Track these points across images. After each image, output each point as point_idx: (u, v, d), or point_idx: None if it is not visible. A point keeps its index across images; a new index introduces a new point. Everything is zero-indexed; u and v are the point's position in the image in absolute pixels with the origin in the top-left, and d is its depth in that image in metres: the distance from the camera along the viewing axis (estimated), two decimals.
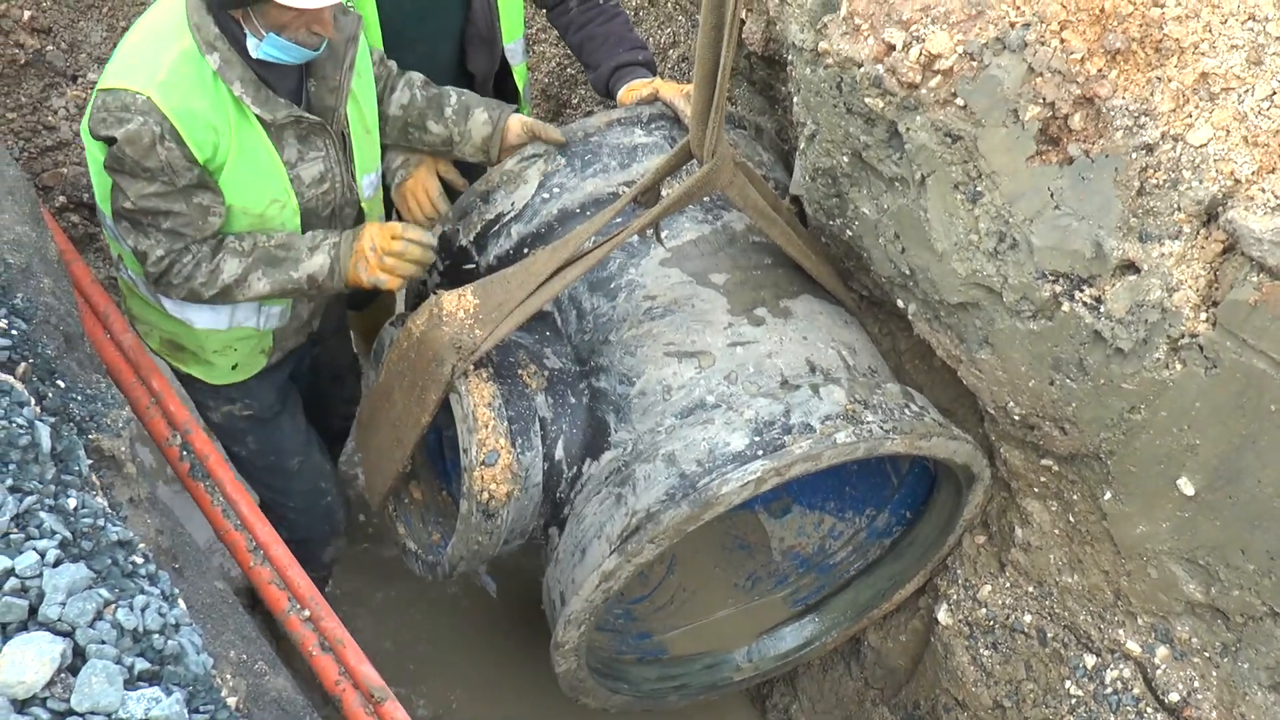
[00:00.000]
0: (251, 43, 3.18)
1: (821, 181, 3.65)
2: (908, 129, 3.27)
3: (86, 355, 3.09)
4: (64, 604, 1.86)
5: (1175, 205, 2.94)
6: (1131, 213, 3.00)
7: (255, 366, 3.92)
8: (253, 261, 3.48)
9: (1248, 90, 2.86)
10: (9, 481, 2.03)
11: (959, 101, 3.14)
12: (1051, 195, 3.08)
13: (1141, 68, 2.97)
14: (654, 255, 3.67)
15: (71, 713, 1.76)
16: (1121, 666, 3.60)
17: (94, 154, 3.36)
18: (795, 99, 3.66)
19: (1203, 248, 2.95)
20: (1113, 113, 2.96)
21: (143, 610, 1.94)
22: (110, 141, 3.22)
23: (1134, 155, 2.95)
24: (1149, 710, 3.54)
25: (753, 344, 3.52)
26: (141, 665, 1.86)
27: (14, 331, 2.76)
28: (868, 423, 3.34)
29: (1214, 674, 3.43)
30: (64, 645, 1.81)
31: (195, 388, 3.99)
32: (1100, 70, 2.99)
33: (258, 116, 3.31)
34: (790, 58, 3.58)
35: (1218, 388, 2.99)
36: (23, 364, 2.66)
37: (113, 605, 1.91)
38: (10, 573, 1.89)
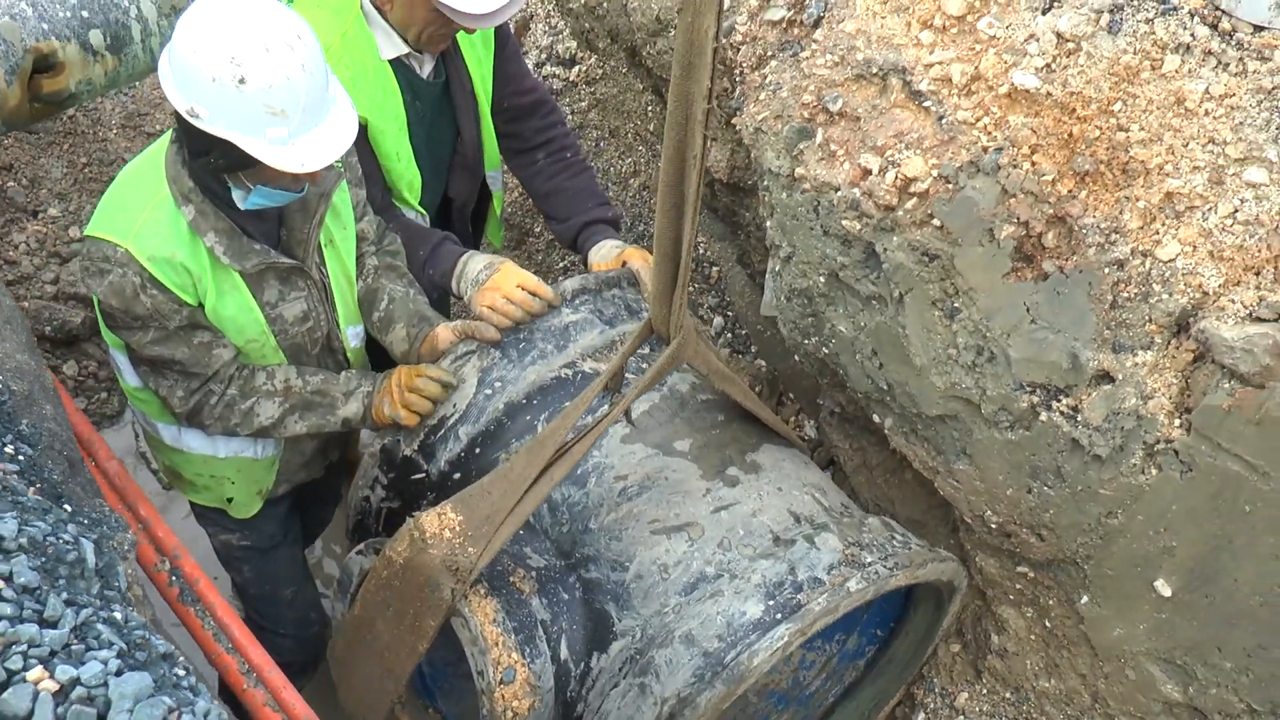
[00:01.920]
0: (238, 195, 3.22)
1: (797, 301, 3.77)
2: (885, 249, 3.41)
3: (87, 480, 3.11)
4: (131, 711, 1.88)
5: (1147, 317, 3.09)
6: (1105, 325, 3.14)
7: (252, 508, 3.96)
8: (290, 406, 3.57)
9: (1211, 208, 3.03)
10: (64, 595, 2.05)
11: (936, 222, 3.29)
12: (1028, 310, 3.22)
13: (1110, 188, 3.14)
14: (613, 434, 3.65)
15: None
16: None
17: (95, 301, 3.40)
18: (769, 223, 3.79)
19: (1174, 357, 3.09)
20: (1084, 230, 3.12)
21: (205, 717, 1.96)
22: (96, 298, 3.29)
23: (1106, 270, 3.11)
24: None
25: (735, 505, 3.53)
26: None
27: (20, 456, 2.78)
28: (869, 564, 3.38)
29: None
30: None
31: (198, 511, 4.03)
32: (1071, 191, 3.16)
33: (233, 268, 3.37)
34: (765, 183, 3.72)
35: (1193, 491, 3.11)
36: (31, 488, 2.68)
37: (176, 712, 1.93)
38: (77, 681, 1.90)
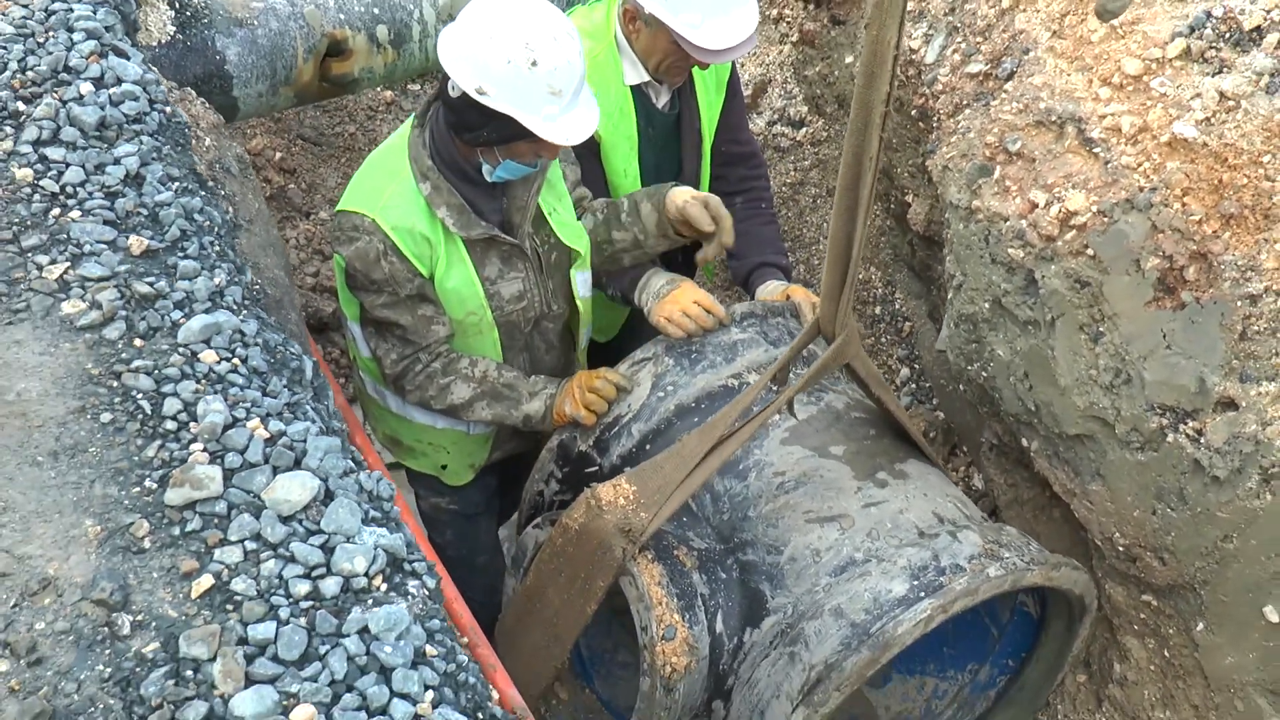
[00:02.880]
0: (487, 169, 3.70)
1: (964, 328, 4.13)
2: (1043, 276, 3.76)
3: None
4: (322, 460, 2.37)
5: (1274, 350, 3.35)
6: (1234, 355, 3.41)
7: (464, 477, 4.41)
8: (481, 392, 3.98)
9: None
10: (284, 381, 2.57)
11: (1089, 252, 3.63)
12: (1164, 336, 3.51)
13: (1251, 230, 3.43)
14: (774, 436, 3.96)
15: (320, 531, 2.25)
16: None
17: (339, 265, 3.91)
18: (948, 255, 4.17)
19: None
20: (1223, 266, 3.42)
21: (377, 480, 2.43)
22: (341, 265, 3.83)
23: (1239, 304, 3.39)
24: None
25: (884, 503, 3.80)
26: (374, 513, 2.35)
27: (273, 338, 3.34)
28: (1007, 558, 3.62)
29: None
30: (319, 485, 2.31)
31: (412, 476, 4.51)
32: (1215, 231, 3.46)
33: (460, 236, 3.83)
34: (948, 216, 4.11)
35: None
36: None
37: (355, 471, 2.41)
38: (283, 434, 2.41)
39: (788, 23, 5.73)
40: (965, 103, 4.21)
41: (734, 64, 4.58)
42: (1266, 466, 3.38)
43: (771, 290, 4.44)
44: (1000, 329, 3.99)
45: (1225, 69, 3.63)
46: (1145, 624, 3.95)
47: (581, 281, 4.18)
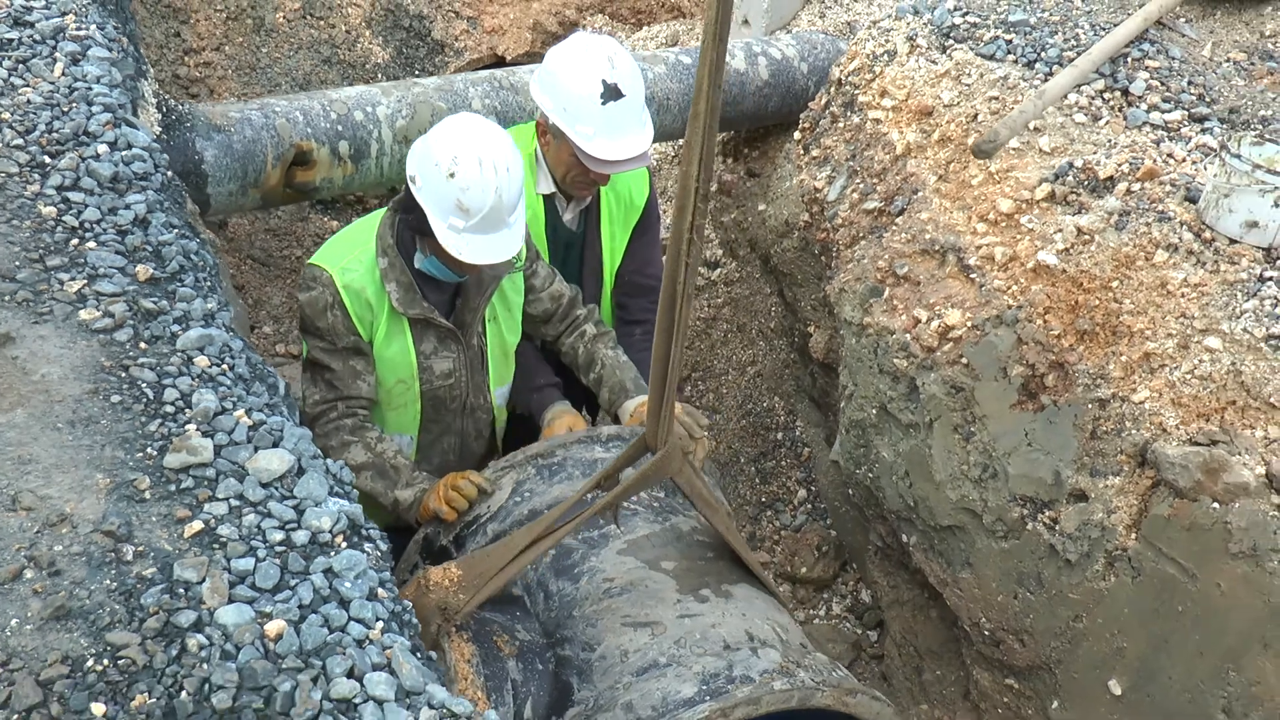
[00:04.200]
0: (418, 257, 4.11)
1: (853, 434, 4.61)
2: (923, 383, 4.26)
3: None
4: (296, 444, 2.79)
5: (1119, 448, 3.85)
6: (1085, 451, 3.91)
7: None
8: (370, 462, 4.26)
9: (1176, 365, 3.83)
10: (264, 389, 2.98)
11: (964, 361, 4.14)
12: (1026, 435, 4.01)
13: (1101, 344, 3.97)
14: (612, 547, 4.19)
15: (293, 496, 2.65)
16: None
17: (300, 310, 4.26)
18: (842, 369, 4.68)
19: (1137, 482, 3.83)
20: (1077, 374, 3.94)
21: (340, 467, 2.84)
22: (301, 304, 4.17)
23: (1090, 407, 3.90)
24: None
25: (699, 616, 3.99)
26: (337, 489, 2.75)
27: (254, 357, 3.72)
28: (800, 676, 3.80)
29: None
30: (294, 460, 2.72)
31: None
32: (1071, 344, 3.99)
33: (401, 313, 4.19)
34: (842, 333, 4.63)
35: (1141, 594, 3.79)
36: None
37: (321, 457, 2.82)
38: (264, 422, 2.81)
39: None
40: (861, 235, 4.77)
41: (651, 203, 4.88)
42: (1111, 550, 3.86)
43: (633, 406, 4.65)
44: (885, 433, 4.47)
45: (1083, 210, 4.22)
46: (1008, 707, 4.35)
47: (499, 395, 4.58)
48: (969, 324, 4.18)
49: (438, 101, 5.17)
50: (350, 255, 4.10)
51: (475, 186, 3.76)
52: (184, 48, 6.85)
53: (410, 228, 4.02)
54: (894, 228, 4.60)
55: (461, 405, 4.48)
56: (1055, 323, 4.03)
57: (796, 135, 5.54)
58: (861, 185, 4.89)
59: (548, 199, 4.63)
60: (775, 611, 4.18)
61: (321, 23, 7.35)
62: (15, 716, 2.13)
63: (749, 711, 3.63)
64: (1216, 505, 3.59)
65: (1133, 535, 3.82)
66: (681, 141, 5.21)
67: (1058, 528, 3.96)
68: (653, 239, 4.99)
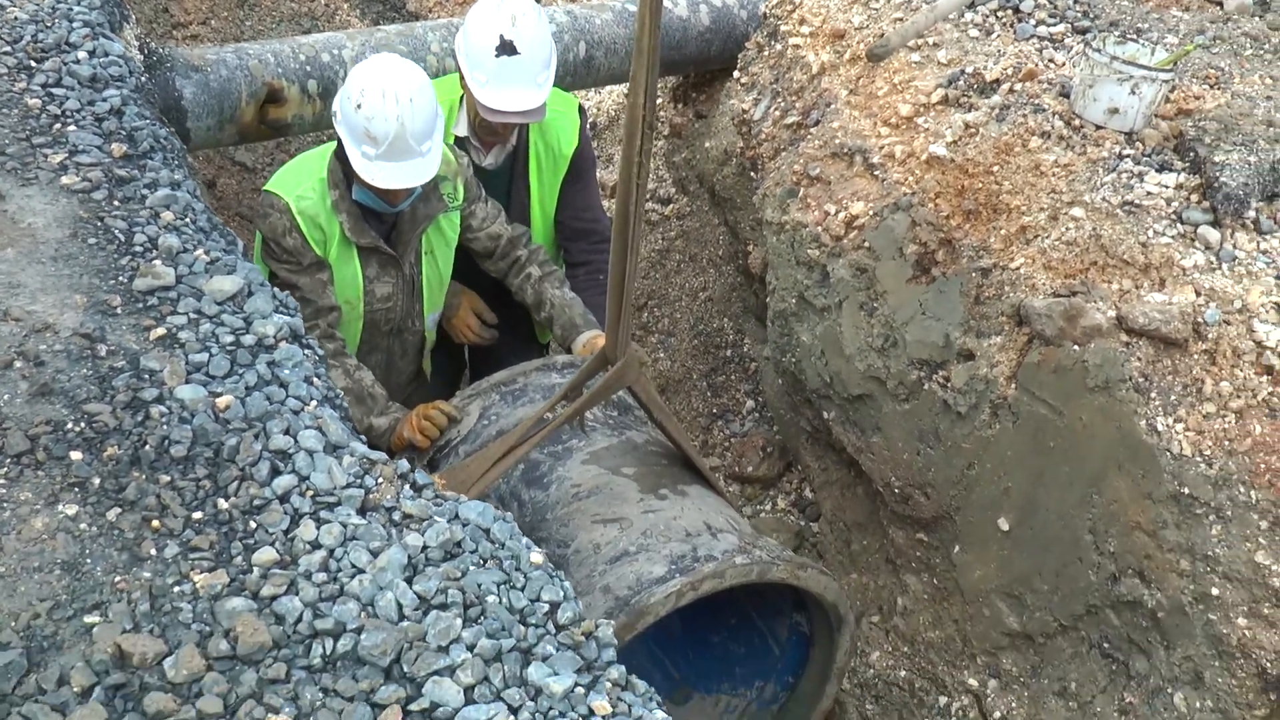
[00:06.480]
0: (356, 188, 4.48)
1: (779, 325, 5.08)
2: (833, 269, 4.73)
3: None
4: (248, 273, 3.27)
5: (1000, 311, 4.31)
6: (971, 316, 4.37)
7: None
8: (349, 388, 4.60)
9: (1047, 235, 4.29)
10: (221, 241, 3.47)
11: (867, 245, 4.62)
12: (920, 305, 4.48)
13: (984, 222, 4.43)
14: (576, 458, 4.44)
15: (243, 311, 3.14)
16: (964, 699, 4.64)
17: (259, 238, 4.60)
18: (770, 271, 5.15)
19: (1015, 339, 4.29)
20: (963, 249, 4.41)
21: (286, 295, 3.33)
22: (261, 233, 4.54)
23: (974, 276, 4.37)
24: None
25: (661, 511, 4.34)
26: (282, 308, 3.23)
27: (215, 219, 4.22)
28: (756, 554, 4.19)
29: (1025, 694, 4.47)
30: (244, 281, 3.21)
31: None
32: (958, 223, 4.46)
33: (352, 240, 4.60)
34: (766, 234, 5.11)
35: (1020, 436, 4.25)
36: None
37: (268, 285, 3.30)
38: (219, 259, 3.30)
39: (660, 119, 6.83)
40: (782, 147, 5.25)
41: (581, 152, 5.10)
42: (994, 400, 4.31)
43: (583, 340, 4.98)
44: (804, 319, 4.94)
45: (971, 109, 4.69)
46: (920, 560, 4.81)
47: (431, 321, 5.00)
48: (871, 213, 4.65)
49: (399, 45, 5.64)
50: (304, 184, 4.47)
51: (379, 115, 4.11)
52: (172, 22, 7.38)
53: (341, 160, 4.39)
54: (809, 137, 5.08)
55: (393, 327, 4.89)
56: (944, 206, 4.50)
57: (736, 73, 6.03)
58: (782, 104, 5.38)
59: (463, 140, 4.93)
60: (726, 507, 4.61)
61: None
62: (8, 460, 2.62)
63: (715, 585, 4.03)
64: (1076, 348, 4.04)
65: (1011, 385, 4.27)
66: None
67: (950, 385, 4.41)
68: (587, 185, 5.26)
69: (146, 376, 2.87)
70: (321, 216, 4.45)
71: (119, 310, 3.04)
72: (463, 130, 4.93)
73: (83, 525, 2.53)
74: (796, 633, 4.78)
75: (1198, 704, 3.86)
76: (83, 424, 2.73)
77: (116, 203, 3.39)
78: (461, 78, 4.69)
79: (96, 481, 2.62)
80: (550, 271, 5.05)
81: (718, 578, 4.02)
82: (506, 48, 4.51)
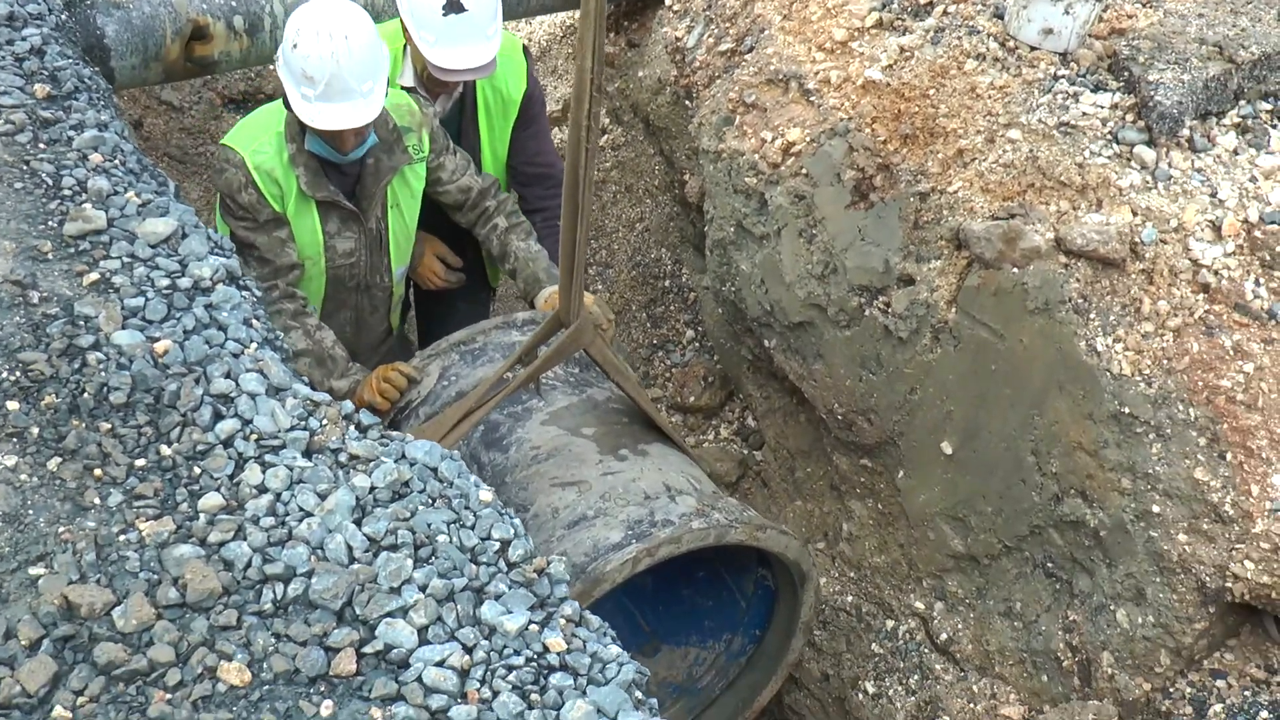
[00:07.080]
0: (308, 138, 4.42)
1: (718, 254, 5.07)
2: (771, 196, 4.72)
3: None
4: (181, 214, 3.22)
5: (938, 235, 4.32)
6: (910, 241, 4.38)
7: None
8: (309, 350, 4.54)
9: (984, 157, 4.29)
10: (152, 183, 3.40)
11: (804, 172, 4.60)
12: (859, 231, 4.48)
13: (922, 146, 4.43)
14: (535, 419, 4.44)
15: (178, 254, 3.09)
16: (910, 621, 4.70)
17: (217, 196, 4.60)
18: (707, 200, 5.13)
19: (954, 263, 4.30)
20: (901, 174, 4.41)
21: (221, 236, 3.27)
22: (218, 189, 4.50)
23: (912, 200, 4.37)
24: (927, 651, 4.61)
25: (620, 473, 4.34)
26: (217, 250, 3.18)
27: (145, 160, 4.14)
28: (714, 517, 4.21)
29: (971, 615, 4.53)
30: (178, 223, 3.16)
31: None
32: (896, 148, 4.45)
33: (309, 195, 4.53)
34: (703, 162, 5.08)
35: (961, 359, 4.27)
36: None
37: (204, 227, 3.24)
38: (150, 201, 3.23)
39: None
40: (717, 75, 5.22)
41: (530, 96, 5.10)
42: (935, 324, 4.33)
43: (545, 295, 4.94)
44: (743, 247, 4.93)
45: (906, 32, 4.68)
46: (865, 485, 4.85)
47: (399, 274, 4.95)
48: (808, 139, 4.63)
49: None
50: (260, 138, 4.41)
51: (315, 55, 4.04)
52: None
53: (289, 108, 4.30)
54: (744, 64, 5.05)
55: (359, 283, 4.84)
56: (881, 130, 4.49)
57: (668, 0, 5.97)
58: (716, 30, 5.34)
59: (409, 90, 4.85)
60: (688, 465, 4.59)
61: None
62: None
63: (671, 550, 4.05)
64: (1015, 270, 4.07)
65: (952, 309, 4.28)
66: (576, 13, 5.57)
67: (890, 310, 4.42)
68: (537, 130, 5.24)
69: (82, 323, 2.82)
70: (278, 171, 4.40)
71: (50, 256, 2.98)
72: (408, 81, 4.87)
73: (23, 476, 2.49)
74: (762, 586, 4.84)
75: (1140, 619, 3.93)
76: (18, 373, 2.68)
77: (42, 145, 3.31)
78: (405, 29, 4.61)
79: (35, 431, 2.58)
80: (517, 223, 5.02)
81: (674, 543, 4.04)
82: (453, 6, 4.45)
